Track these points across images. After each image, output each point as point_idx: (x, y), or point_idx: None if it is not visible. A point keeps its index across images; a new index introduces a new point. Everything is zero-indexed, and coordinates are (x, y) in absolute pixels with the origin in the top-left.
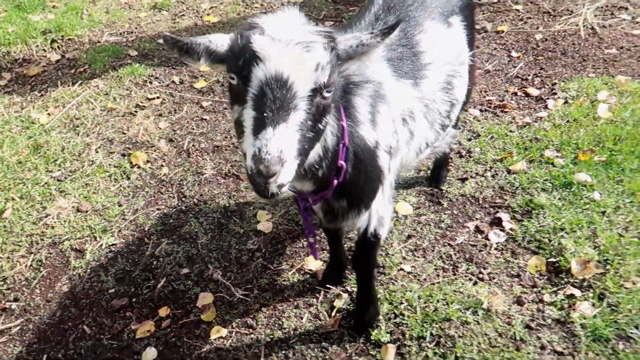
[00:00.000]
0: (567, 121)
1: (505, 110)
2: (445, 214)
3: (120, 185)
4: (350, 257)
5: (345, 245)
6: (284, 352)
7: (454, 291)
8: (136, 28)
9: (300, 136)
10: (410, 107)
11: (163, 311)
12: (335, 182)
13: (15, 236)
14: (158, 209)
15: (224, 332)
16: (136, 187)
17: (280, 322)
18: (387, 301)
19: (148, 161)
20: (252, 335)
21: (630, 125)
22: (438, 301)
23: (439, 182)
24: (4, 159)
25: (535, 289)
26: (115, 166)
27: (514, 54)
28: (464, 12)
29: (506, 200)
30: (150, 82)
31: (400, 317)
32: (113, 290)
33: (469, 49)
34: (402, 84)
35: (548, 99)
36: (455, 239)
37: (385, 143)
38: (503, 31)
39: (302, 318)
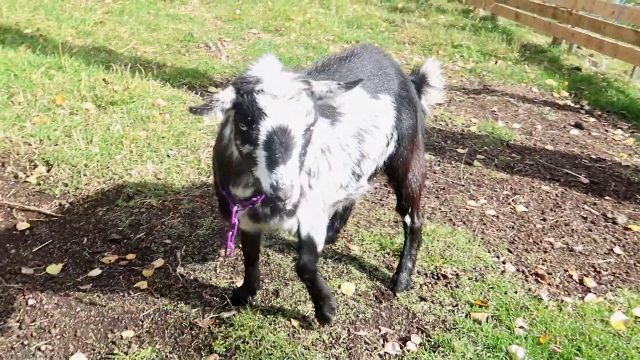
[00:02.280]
0: None
1: None
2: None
3: None
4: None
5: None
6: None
7: None
8: None
9: (300, 163)
10: (327, 142)
11: (130, 255)
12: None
13: None
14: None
15: (144, 284)
16: None
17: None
18: None
19: None
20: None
21: None
22: None
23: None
24: None
25: None
26: None
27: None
28: (399, 97)
29: None
30: None
31: None
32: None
33: (395, 124)
34: (322, 121)
35: None
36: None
37: (306, 165)
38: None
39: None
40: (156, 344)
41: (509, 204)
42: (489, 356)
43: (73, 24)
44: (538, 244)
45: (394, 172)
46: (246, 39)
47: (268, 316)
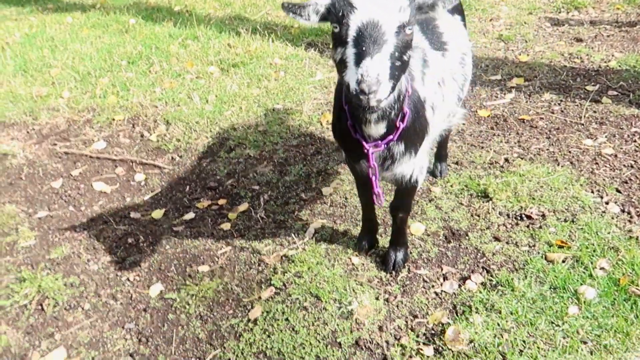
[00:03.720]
0: None
1: None
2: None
3: None
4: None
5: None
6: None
7: None
8: None
9: (391, 63)
10: (442, 73)
11: (221, 201)
12: (401, 125)
13: None
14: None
15: (227, 226)
16: None
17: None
18: None
19: None
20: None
21: None
22: None
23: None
24: None
25: None
26: None
27: None
28: (461, 14)
29: None
30: None
31: None
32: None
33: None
34: (436, 54)
35: None
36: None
37: (430, 99)
38: None
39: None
40: (225, 277)
41: (635, 141)
42: (553, 296)
43: None
44: None
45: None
46: None
47: (331, 254)
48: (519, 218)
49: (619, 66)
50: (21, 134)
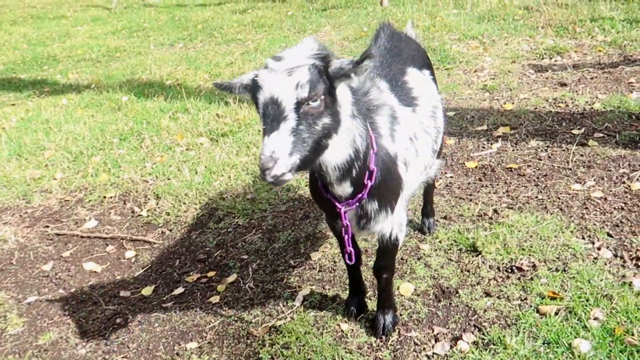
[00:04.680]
0: None
1: None
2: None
3: None
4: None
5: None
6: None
7: None
8: None
9: (295, 138)
10: (413, 128)
11: (210, 273)
12: (369, 183)
13: None
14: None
15: (217, 299)
16: None
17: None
18: None
19: None
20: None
21: None
22: None
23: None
24: None
25: None
26: None
27: None
28: (429, 69)
29: None
30: None
31: None
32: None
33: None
34: (406, 110)
35: None
36: None
37: (402, 155)
38: None
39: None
40: (214, 353)
41: (624, 182)
42: (547, 352)
43: (206, 69)
44: None
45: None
46: None
47: (320, 321)
48: (509, 271)
49: (604, 107)
50: (14, 218)
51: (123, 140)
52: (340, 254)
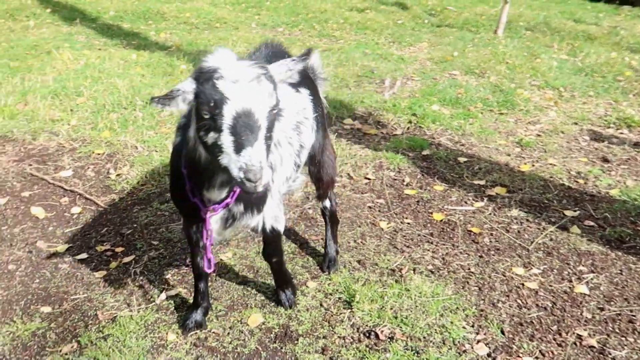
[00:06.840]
0: None
1: None
2: None
3: None
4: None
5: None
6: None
7: None
8: None
9: (266, 145)
10: (277, 136)
11: (119, 249)
12: (237, 190)
13: None
14: None
15: (103, 273)
16: None
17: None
18: None
19: None
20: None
21: None
22: None
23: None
24: None
25: None
26: None
27: None
28: (311, 89)
29: None
30: None
31: None
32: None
33: (314, 114)
34: None
35: None
36: None
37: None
38: None
39: None
40: (58, 322)
41: (571, 281)
42: None
43: None
44: (561, 335)
45: (314, 159)
46: (438, 79)
47: (156, 323)
48: (366, 334)
49: (619, 195)
50: (13, 149)
51: (147, 105)
52: (192, 265)
